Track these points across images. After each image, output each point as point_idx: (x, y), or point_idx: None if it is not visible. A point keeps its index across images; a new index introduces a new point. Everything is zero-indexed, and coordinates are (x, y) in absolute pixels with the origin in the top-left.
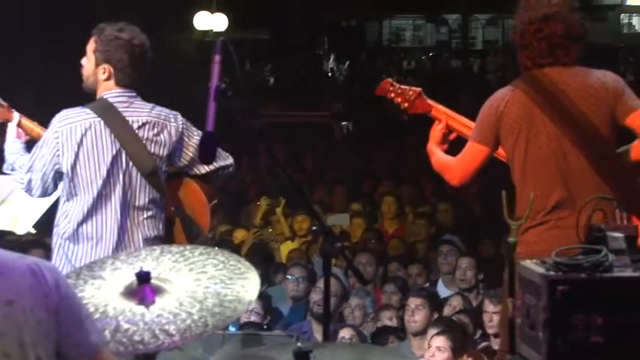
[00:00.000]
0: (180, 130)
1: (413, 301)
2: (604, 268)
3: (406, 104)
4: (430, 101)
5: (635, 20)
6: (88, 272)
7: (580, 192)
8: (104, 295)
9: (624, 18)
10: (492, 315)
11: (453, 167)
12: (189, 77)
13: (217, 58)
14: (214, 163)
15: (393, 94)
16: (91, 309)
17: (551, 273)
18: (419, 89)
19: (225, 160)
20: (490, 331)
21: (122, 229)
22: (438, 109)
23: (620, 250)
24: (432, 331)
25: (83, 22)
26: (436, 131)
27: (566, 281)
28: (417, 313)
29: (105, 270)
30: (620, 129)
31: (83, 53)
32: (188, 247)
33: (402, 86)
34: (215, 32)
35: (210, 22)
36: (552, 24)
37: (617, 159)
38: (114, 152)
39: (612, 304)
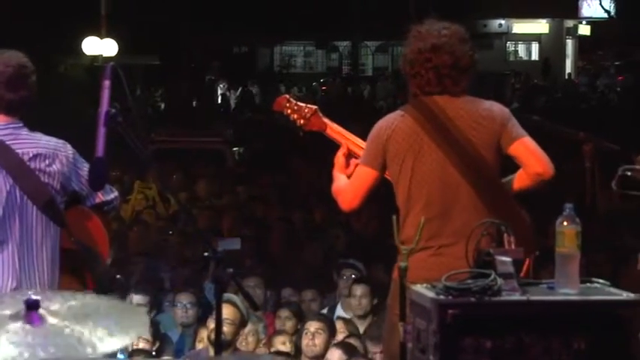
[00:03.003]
0: (70, 159)
1: (312, 325)
2: (493, 291)
3: (302, 121)
4: (325, 119)
5: (520, 48)
6: None
7: (464, 219)
8: None
9: (510, 46)
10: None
11: (344, 192)
12: (77, 102)
13: (107, 83)
14: (101, 197)
15: (289, 111)
16: None
17: (442, 297)
18: (315, 107)
19: (109, 194)
20: None
21: (21, 270)
22: (333, 128)
23: (508, 274)
24: (336, 355)
25: None
26: (339, 157)
27: (456, 305)
28: (317, 337)
29: None
30: (504, 158)
31: None
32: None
33: (299, 103)
34: (104, 57)
35: (100, 47)
36: (440, 55)
37: (501, 187)
38: (7, 188)
39: (501, 327)
